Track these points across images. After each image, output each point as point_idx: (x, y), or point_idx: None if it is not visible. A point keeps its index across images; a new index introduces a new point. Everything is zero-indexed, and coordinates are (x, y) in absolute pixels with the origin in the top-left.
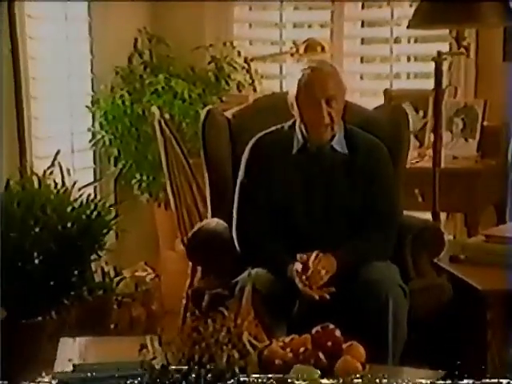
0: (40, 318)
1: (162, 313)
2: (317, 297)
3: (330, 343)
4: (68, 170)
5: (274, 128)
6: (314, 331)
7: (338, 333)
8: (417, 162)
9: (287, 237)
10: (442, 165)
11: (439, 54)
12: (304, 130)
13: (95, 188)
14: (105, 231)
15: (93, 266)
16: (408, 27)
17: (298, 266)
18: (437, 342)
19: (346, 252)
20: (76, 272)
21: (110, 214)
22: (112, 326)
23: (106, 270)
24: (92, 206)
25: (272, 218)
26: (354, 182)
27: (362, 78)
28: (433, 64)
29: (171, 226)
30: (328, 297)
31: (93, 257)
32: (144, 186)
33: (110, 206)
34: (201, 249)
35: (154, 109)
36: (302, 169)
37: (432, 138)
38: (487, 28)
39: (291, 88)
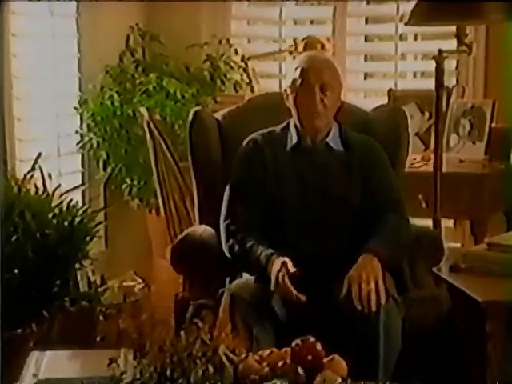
0: (20, 331)
1: (151, 324)
2: (294, 293)
3: (310, 357)
4: (49, 175)
5: (266, 130)
6: (293, 344)
7: (318, 346)
8: (420, 166)
9: (281, 240)
10: (449, 169)
11: (440, 51)
12: (299, 125)
13: (83, 193)
14: (88, 239)
15: (79, 275)
16: (406, 24)
17: (287, 263)
18: (434, 355)
19: (380, 245)
20: (58, 282)
21: (93, 220)
22: (98, 339)
23: (92, 279)
24: (74, 212)
25: (265, 218)
26: (353, 180)
27: (365, 77)
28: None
29: (164, 233)
30: (304, 298)
31: (77, 266)
32: (135, 191)
33: (93, 211)
34: (185, 258)
35: (143, 110)
36: (297, 166)
37: None
38: (488, 24)
39: (287, 78)
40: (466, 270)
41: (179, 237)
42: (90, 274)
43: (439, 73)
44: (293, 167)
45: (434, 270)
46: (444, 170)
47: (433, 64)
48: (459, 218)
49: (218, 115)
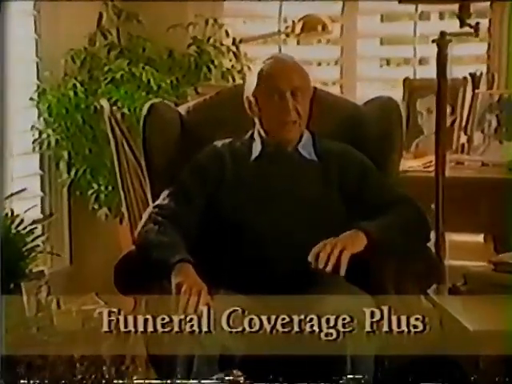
0: None
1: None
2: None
3: None
4: None
5: (228, 140)
6: (214, 378)
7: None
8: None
9: (242, 250)
10: (468, 174)
11: (442, 33)
12: (264, 134)
13: (43, 200)
14: (26, 254)
15: (25, 297)
16: (400, 2)
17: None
18: None
19: (371, 224)
20: None
21: (32, 232)
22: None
23: (43, 302)
24: (8, 224)
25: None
26: (329, 187)
27: (381, 64)
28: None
29: None
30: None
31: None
32: (102, 197)
33: (33, 222)
34: (130, 277)
35: (104, 102)
36: (262, 176)
37: (462, 139)
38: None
39: (248, 83)
40: (467, 293)
41: (123, 253)
42: (43, 295)
43: (441, 59)
44: (257, 177)
45: (431, 291)
46: (462, 174)
47: (461, 48)
48: (479, 231)
49: (182, 109)
